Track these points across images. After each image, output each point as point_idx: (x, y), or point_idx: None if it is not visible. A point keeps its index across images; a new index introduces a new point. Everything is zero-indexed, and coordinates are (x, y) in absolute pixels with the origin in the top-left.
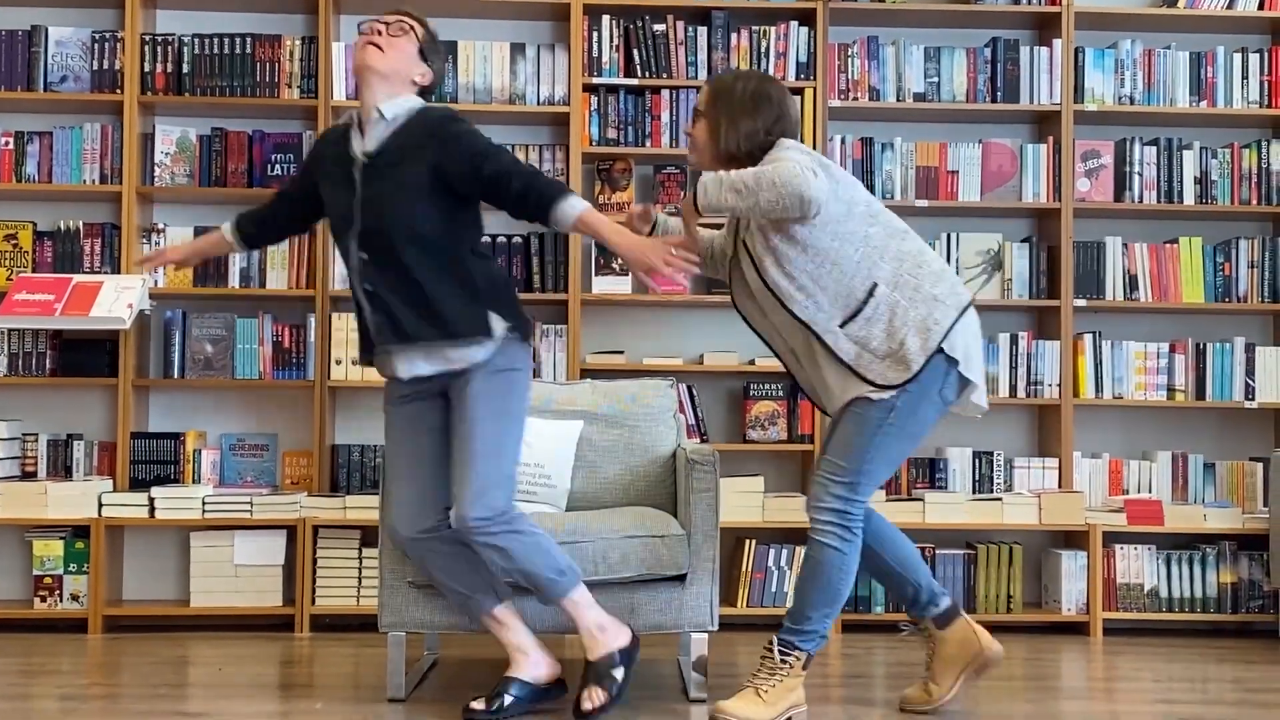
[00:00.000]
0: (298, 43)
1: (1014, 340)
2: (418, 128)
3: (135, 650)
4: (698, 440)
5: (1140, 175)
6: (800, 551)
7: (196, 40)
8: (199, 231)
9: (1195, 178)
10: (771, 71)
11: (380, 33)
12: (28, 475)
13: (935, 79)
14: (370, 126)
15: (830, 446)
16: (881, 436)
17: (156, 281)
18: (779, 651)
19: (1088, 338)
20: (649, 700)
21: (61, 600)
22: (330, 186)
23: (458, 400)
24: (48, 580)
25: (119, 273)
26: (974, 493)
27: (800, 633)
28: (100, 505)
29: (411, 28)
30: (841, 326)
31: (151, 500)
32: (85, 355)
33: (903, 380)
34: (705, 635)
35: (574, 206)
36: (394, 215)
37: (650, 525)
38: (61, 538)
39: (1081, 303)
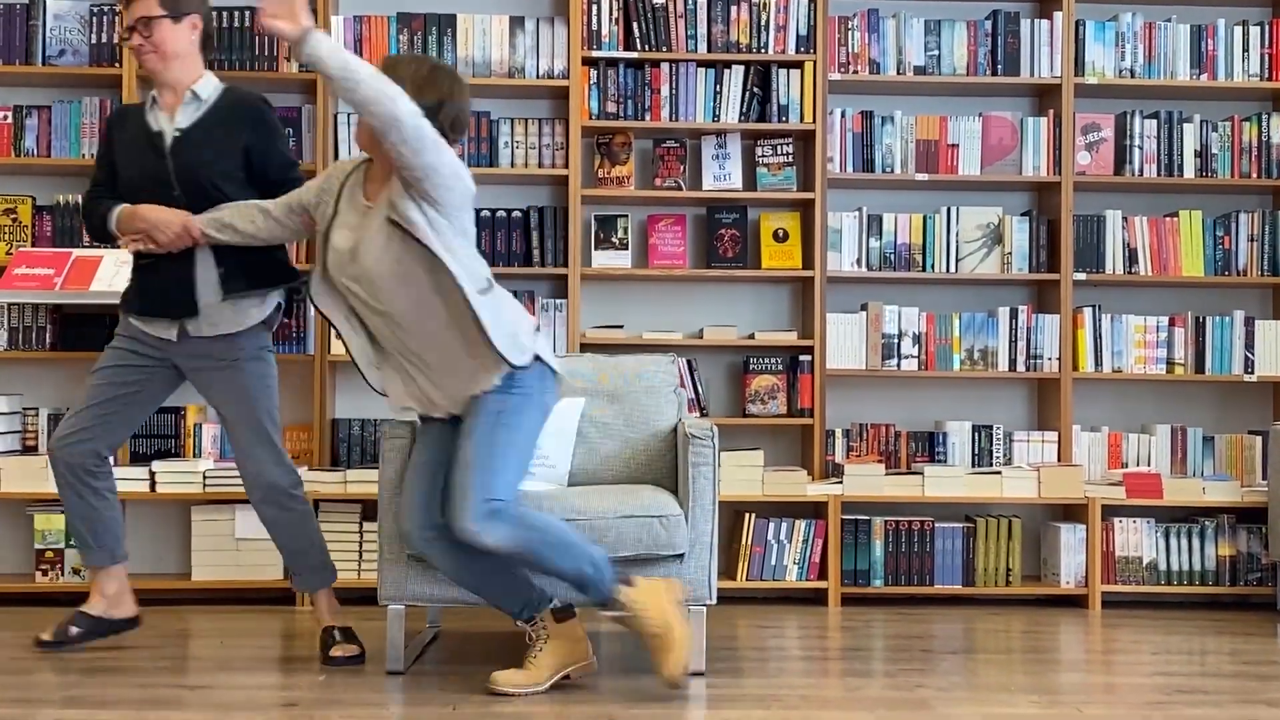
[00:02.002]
0: None
1: (1013, 314)
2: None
3: None
4: (697, 414)
5: (1140, 148)
6: (800, 525)
7: None
8: None
9: (1195, 151)
10: (771, 45)
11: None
12: (29, 449)
13: (935, 52)
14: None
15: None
16: (505, 431)
17: None
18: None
19: (1087, 311)
20: (649, 673)
21: (63, 574)
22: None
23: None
24: (49, 554)
25: (118, 247)
26: (973, 466)
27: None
28: None
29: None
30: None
31: (152, 474)
32: (85, 329)
33: (524, 362)
34: (704, 609)
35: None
36: None
37: (648, 505)
38: (63, 512)
39: (1081, 276)
